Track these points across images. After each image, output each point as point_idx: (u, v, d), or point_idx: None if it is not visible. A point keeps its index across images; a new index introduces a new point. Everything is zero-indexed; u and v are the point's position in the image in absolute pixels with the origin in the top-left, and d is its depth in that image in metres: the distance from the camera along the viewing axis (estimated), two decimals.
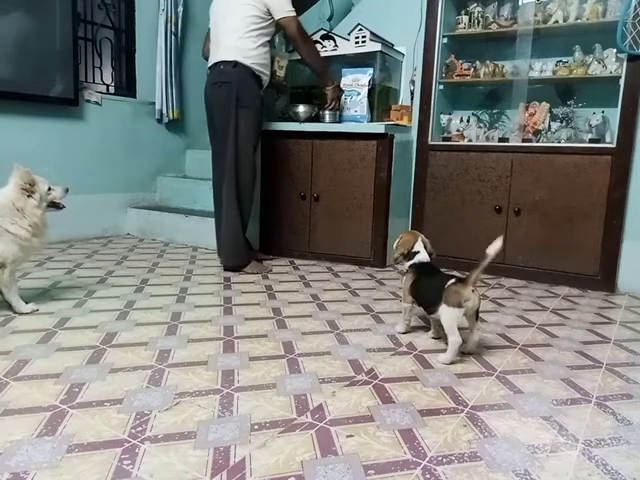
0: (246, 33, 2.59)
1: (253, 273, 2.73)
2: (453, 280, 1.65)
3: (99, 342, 1.70)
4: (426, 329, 1.96)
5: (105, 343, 1.69)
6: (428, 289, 1.74)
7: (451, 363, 1.64)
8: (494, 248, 1.59)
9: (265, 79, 2.73)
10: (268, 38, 2.68)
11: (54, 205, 2.02)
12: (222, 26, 2.67)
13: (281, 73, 2.98)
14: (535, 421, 1.29)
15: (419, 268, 1.83)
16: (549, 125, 2.83)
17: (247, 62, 2.60)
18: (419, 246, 1.85)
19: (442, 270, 1.89)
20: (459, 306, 1.61)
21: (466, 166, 2.95)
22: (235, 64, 2.59)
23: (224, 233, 2.73)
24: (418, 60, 3.13)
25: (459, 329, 1.63)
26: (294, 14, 2.62)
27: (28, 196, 1.89)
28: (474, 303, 1.62)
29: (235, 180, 2.65)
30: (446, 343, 1.66)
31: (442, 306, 1.64)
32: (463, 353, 1.71)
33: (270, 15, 2.61)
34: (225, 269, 2.78)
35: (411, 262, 1.85)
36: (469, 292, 1.61)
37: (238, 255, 2.75)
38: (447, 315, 1.63)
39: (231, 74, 2.61)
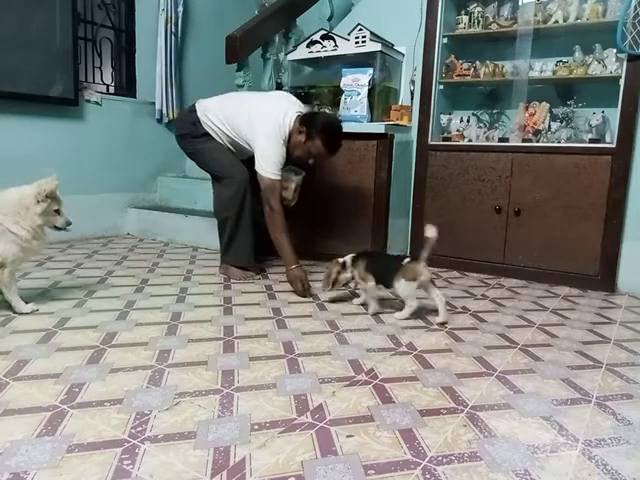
0: None
1: (230, 277, 2.67)
2: (408, 259, 2.03)
3: (99, 342, 1.70)
4: (426, 328, 1.96)
5: (105, 343, 1.69)
6: (387, 267, 2.08)
7: (405, 319, 2.02)
8: (431, 231, 1.97)
9: None
10: None
11: (54, 226, 1.99)
12: None
13: (287, 194, 2.58)
14: (535, 421, 1.29)
15: (360, 255, 2.15)
16: (549, 125, 2.83)
17: None
18: (342, 261, 2.17)
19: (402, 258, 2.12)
20: (414, 280, 1.98)
21: (466, 166, 2.95)
22: None
23: None
24: (418, 60, 3.12)
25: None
26: None
27: (37, 201, 1.89)
28: (426, 276, 2.00)
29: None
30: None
31: (400, 281, 1.99)
32: (441, 324, 2.00)
33: None
34: None
35: (350, 256, 2.16)
36: (422, 268, 1.99)
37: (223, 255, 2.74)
38: (406, 287, 2.00)
39: None
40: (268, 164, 2.41)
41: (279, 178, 2.45)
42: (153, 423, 1.20)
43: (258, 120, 2.46)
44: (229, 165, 2.59)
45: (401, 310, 2.08)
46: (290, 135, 2.47)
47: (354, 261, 2.15)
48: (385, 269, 2.09)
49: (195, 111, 2.61)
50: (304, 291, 2.37)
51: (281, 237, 2.43)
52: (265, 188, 2.43)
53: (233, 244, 2.65)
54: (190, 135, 2.63)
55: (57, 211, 1.96)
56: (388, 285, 2.08)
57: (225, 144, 2.62)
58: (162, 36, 3.81)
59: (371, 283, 2.09)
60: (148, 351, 1.64)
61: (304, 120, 2.44)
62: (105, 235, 3.67)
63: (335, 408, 1.31)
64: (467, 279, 2.84)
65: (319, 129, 2.39)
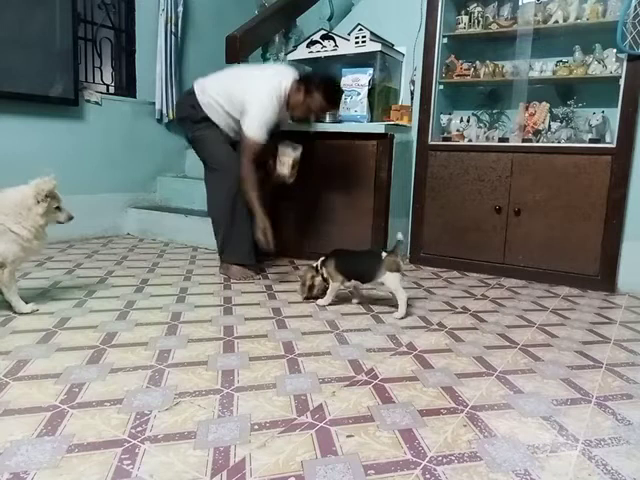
0: None
1: (230, 277, 2.67)
2: (385, 253, 2.10)
3: (99, 342, 1.70)
4: (426, 328, 1.96)
5: (105, 343, 1.69)
6: (364, 263, 2.17)
7: (404, 318, 2.06)
8: (401, 233, 2.15)
9: None
10: None
11: (57, 222, 2.02)
12: None
13: (283, 170, 2.62)
14: (535, 421, 1.29)
15: (330, 256, 2.20)
16: (549, 125, 2.83)
17: None
18: (315, 265, 2.24)
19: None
20: (398, 270, 2.07)
21: (466, 166, 2.95)
22: None
23: None
24: (418, 60, 3.12)
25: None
26: None
27: (38, 202, 1.89)
28: (403, 266, 2.15)
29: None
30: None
31: (386, 274, 2.06)
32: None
33: None
34: None
35: (320, 259, 2.22)
36: (400, 260, 2.11)
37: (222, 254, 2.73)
38: (393, 279, 2.08)
39: None
40: (253, 122, 2.42)
41: (260, 141, 2.44)
42: (153, 423, 1.20)
43: (254, 90, 2.48)
44: (226, 157, 2.58)
45: (397, 309, 2.10)
46: (289, 99, 2.50)
47: (323, 262, 2.22)
48: (362, 265, 2.17)
49: (194, 93, 2.59)
50: (267, 242, 2.45)
51: (248, 190, 2.47)
52: (244, 146, 2.44)
53: (231, 241, 2.63)
54: (190, 119, 2.62)
55: (58, 208, 1.98)
56: (367, 280, 2.14)
57: (223, 125, 2.59)
58: (162, 36, 3.81)
59: (337, 283, 2.18)
60: (148, 351, 1.64)
61: (301, 79, 2.50)
62: (105, 235, 3.67)
63: (335, 408, 1.31)
64: (467, 279, 2.84)
65: (317, 83, 2.46)
